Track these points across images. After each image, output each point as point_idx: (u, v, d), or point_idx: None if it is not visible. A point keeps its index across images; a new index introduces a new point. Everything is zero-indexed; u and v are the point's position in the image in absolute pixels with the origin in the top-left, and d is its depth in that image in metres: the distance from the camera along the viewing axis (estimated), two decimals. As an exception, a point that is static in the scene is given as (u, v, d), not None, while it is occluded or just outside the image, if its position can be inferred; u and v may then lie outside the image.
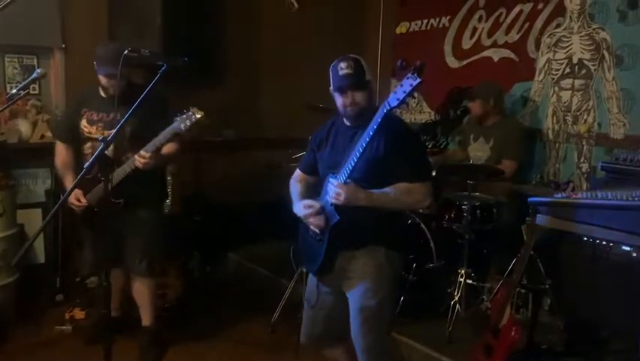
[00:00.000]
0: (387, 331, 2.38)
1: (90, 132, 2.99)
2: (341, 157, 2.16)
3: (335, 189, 2.06)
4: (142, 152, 2.79)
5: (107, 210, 2.79)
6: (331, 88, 2.23)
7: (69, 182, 3.02)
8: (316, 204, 2.22)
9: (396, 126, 2.17)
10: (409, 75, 1.87)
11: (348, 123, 2.26)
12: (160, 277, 3.38)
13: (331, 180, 2.13)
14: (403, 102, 1.91)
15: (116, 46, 2.87)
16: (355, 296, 2.22)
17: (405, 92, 1.88)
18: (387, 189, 2.12)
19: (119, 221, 2.88)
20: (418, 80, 1.85)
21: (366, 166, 2.09)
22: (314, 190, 2.42)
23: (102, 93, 3.00)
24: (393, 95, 1.92)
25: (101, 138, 2.25)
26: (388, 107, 1.94)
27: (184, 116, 2.76)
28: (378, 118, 1.97)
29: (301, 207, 2.27)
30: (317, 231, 2.24)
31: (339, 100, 2.21)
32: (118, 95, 2.60)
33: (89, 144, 3.01)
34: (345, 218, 2.12)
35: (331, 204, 2.15)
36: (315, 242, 2.27)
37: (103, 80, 2.93)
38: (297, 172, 2.54)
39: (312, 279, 2.42)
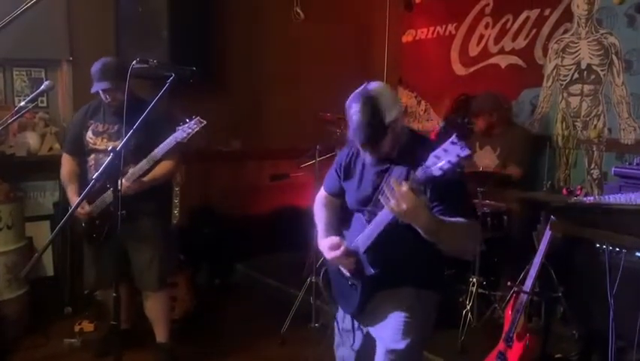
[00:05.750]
0: None
1: (95, 144, 2.99)
2: (371, 194, 2.01)
3: (398, 195, 1.71)
4: (123, 180, 2.68)
5: (110, 222, 2.78)
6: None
7: (72, 192, 3.01)
8: (342, 246, 2.02)
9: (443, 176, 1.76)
10: (455, 140, 1.62)
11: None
12: (169, 290, 3.35)
13: (395, 177, 1.81)
14: (445, 174, 1.65)
15: (111, 60, 2.91)
16: (384, 338, 2.08)
17: (450, 162, 1.63)
18: (452, 219, 1.84)
19: (123, 234, 2.85)
20: (467, 151, 1.61)
21: None
22: (342, 216, 2.23)
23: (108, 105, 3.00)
24: (435, 160, 1.66)
25: (110, 149, 2.24)
26: (429, 175, 1.68)
27: (186, 125, 2.75)
28: (417, 179, 1.72)
29: (326, 248, 2.07)
30: (347, 273, 2.07)
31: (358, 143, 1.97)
32: (122, 107, 2.58)
33: (92, 156, 3.00)
34: (380, 269, 1.97)
35: (364, 252, 1.97)
36: (347, 284, 2.11)
37: (102, 95, 2.92)
38: (322, 193, 2.32)
39: (347, 318, 2.24)
